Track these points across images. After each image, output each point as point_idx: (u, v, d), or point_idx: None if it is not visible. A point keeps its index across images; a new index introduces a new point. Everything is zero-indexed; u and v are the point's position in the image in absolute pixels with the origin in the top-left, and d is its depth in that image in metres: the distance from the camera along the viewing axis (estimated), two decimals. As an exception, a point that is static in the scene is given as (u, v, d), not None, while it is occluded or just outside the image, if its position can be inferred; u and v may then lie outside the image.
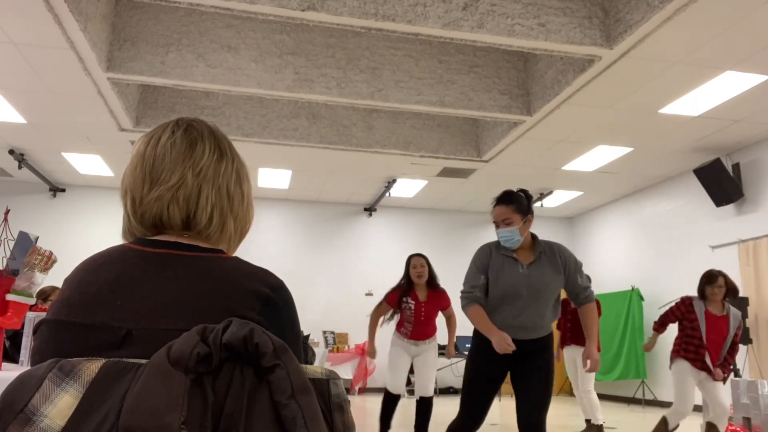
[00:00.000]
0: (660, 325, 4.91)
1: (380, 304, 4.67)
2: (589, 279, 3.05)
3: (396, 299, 4.58)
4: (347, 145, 7.48)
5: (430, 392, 4.51)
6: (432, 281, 4.60)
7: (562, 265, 2.94)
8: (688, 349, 4.63)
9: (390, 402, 4.55)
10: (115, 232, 1.05)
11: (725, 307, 4.64)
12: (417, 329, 4.56)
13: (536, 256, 2.93)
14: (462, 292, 3.03)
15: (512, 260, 2.95)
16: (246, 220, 1.03)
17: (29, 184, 9.63)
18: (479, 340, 2.99)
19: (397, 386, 4.55)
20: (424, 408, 4.47)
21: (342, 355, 9.63)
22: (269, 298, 0.87)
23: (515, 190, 3.06)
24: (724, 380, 4.58)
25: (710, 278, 4.58)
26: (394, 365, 4.61)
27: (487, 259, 2.98)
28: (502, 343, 2.78)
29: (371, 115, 7.61)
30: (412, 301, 4.53)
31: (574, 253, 3.04)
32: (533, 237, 3.02)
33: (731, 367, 4.63)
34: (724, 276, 4.58)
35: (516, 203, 2.95)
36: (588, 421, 5.58)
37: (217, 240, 0.98)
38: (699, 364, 4.57)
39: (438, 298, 4.57)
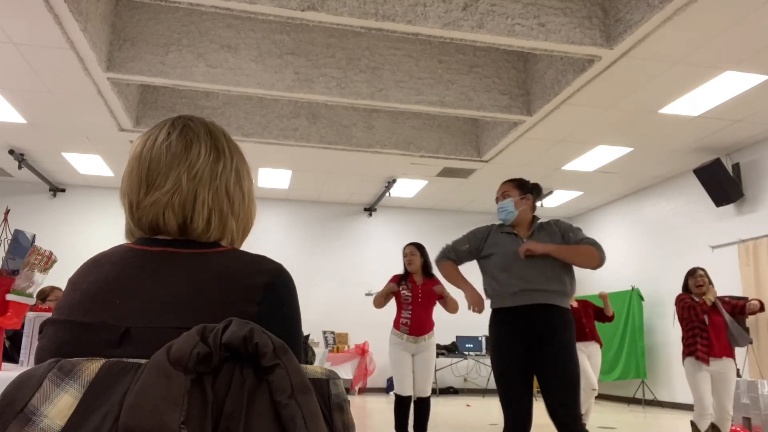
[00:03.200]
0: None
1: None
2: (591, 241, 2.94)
3: (396, 281, 4.64)
4: (347, 145, 7.48)
5: (426, 393, 4.49)
6: (426, 269, 4.62)
7: (560, 232, 3.00)
8: (695, 341, 4.64)
9: (401, 406, 4.48)
10: (115, 232, 1.05)
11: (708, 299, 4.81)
12: (416, 316, 4.49)
13: (532, 231, 3.04)
14: (442, 248, 3.13)
15: (513, 235, 3.04)
16: (248, 219, 1.02)
17: (29, 184, 9.63)
18: (496, 328, 2.97)
19: (405, 387, 4.46)
20: (421, 409, 4.45)
21: (342, 355, 9.63)
22: (268, 284, 0.87)
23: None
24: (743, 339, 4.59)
25: (691, 272, 4.85)
26: (397, 366, 4.53)
27: (482, 234, 3.09)
28: (475, 298, 2.92)
29: (371, 115, 7.61)
30: (410, 283, 4.57)
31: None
32: (533, 218, 3.11)
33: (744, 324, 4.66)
34: (703, 269, 4.85)
35: (517, 181, 3.13)
36: None
37: (218, 241, 0.97)
38: (700, 354, 4.59)
39: (433, 285, 4.57)
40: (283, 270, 0.91)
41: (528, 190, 3.11)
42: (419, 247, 4.66)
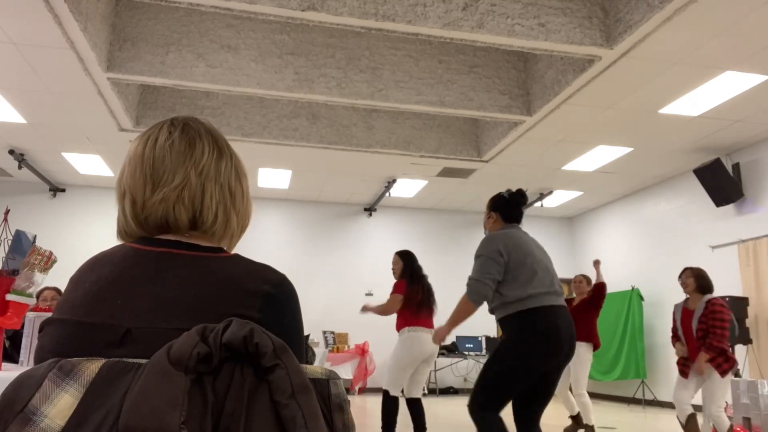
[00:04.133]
0: (674, 337, 4.94)
1: None
2: (481, 270, 2.93)
3: None
4: (347, 145, 7.48)
5: (384, 386, 4.52)
6: (402, 274, 4.63)
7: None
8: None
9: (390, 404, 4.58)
10: (115, 232, 1.04)
11: (701, 301, 4.68)
12: None
13: None
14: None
15: None
16: (246, 216, 1.03)
17: (29, 184, 9.63)
18: None
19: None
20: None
21: (342, 355, 9.63)
22: (270, 295, 0.87)
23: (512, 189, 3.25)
24: (721, 370, 4.45)
25: (679, 276, 4.87)
26: None
27: None
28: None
29: (371, 115, 7.61)
30: None
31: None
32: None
33: (721, 354, 4.44)
34: (691, 268, 4.80)
35: (490, 201, 3.23)
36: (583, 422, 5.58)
37: (220, 237, 0.98)
38: (680, 367, 4.73)
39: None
40: (286, 281, 0.91)
41: (494, 208, 3.18)
42: (400, 255, 4.72)
